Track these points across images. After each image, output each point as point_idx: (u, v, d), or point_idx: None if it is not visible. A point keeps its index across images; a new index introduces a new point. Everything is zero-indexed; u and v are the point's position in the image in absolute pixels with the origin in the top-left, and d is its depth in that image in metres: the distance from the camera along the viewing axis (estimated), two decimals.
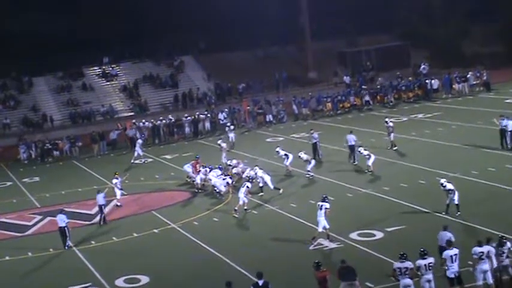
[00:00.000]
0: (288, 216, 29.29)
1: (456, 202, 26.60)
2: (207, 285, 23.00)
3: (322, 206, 25.53)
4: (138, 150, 43.71)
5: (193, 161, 36.29)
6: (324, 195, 26.34)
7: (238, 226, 29.16)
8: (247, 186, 30.80)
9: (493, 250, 19.55)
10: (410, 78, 57.88)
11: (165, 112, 57.03)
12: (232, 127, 46.27)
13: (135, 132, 49.32)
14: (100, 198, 31.17)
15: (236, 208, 30.16)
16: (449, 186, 26.80)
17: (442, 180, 27.09)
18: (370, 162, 34.36)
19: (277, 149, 37.09)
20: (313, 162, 35.51)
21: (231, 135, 44.92)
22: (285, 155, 36.16)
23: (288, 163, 36.03)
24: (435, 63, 63.15)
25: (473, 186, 30.13)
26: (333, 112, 53.35)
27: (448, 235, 21.31)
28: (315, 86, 61.84)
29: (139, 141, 45.13)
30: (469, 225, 25.50)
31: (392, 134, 38.86)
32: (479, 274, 19.36)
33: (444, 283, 19.81)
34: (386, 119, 39.89)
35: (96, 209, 33.62)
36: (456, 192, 26.63)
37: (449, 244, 19.90)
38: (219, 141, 40.55)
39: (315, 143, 38.63)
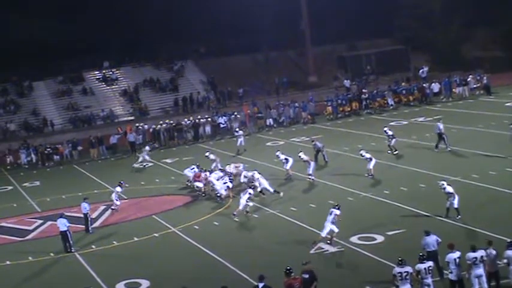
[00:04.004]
0: (289, 220, 29.29)
1: (456, 206, 26.59)
2: None
3: (332, 211, 25.61)
4: (144, 156, 43.62)
5: (197, 172, 35.31)
6: (337, 204, 26.42)
7: (239, 230, 29.15)
8: (250, 193, 30.70)
9: (485, 254, 19.55)
10: (404, 83, 57.66)
11: (166, 116, 57.07)
12: (241, 132, 46.12)
13: (136, 136, 49.42)
14: (84, 207, 30.71)
15: (235, 212, 30.17)
16: (449, 189, 26.79)
17: (443, 182, 27.11)
18: (371, 166, 34.36)
19: (277, 153, 37.06)
20: (312, 164, 35.49)
21: (240, 139, 44.87)
22: (285, 159, 36.12)
23: (288, 167, 36.01)
24: (435, 67, 63.20)
25: (473, 190, 30.12)
26: (333, 116, 53.38)
27: (434, 238, 21.30)
28: (315, 90, 61.89)
29: (147, 147, 45.05)
30: (469, 229, 25.49)
31: (393, 140, 38.76)
32: (474, 279, 19.37)
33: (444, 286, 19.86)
34: (385, 128, 39.57)
35: (98, 212, 33.75)
36: (456, 196, 26.62)
37: (452, 247, 19.87)
38: (206, 153, 39.01)
39: (318, 150, 38.54)
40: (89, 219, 31.04)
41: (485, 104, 51.44)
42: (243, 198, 30.24)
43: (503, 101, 51.17)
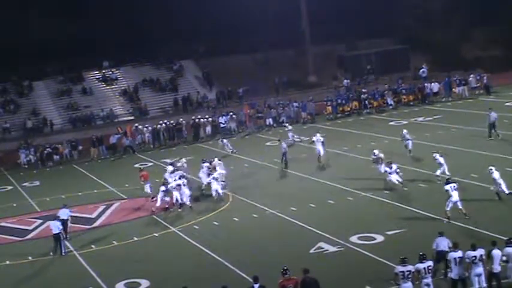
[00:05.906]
0: (289, 220, 29.29)
1: (507, 192, 27.82)
2: None
3: (454, 186, 26.49)
4: (227, 145, 44.07)
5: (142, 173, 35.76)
6: (448, 178, 27.57)
7: (239, 230, 29.14)
8: (397, 171, 31.68)
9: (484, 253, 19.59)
10: (403, 84, 57.66)
11: (165, 116, 57.04)
12: (290, 127, 46.78)
13: (132, 140, 49.44)
14: (63, 213, 30.12)
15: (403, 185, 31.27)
16: (496, 175, 27.96)
17: (491, 167, 28.23)
18: (440, 172, 31.99)
19: (318, 134, 38.58)
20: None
21: (290, 134, 45.33)
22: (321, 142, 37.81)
23: (321, 153, 37.50)
24: (435, 67, 63.21)
25: (473, 190, 30.10)
26: (332, 116, 53.37)
27: (446, 240, 21.28)
28: (315, 90, 61.89)
29: (224, 141, 45.15)
30: (469, 229, 25.49)
31: (410, 143, 37.64)
32: (474, 278, 19.39)
33: (444, 286, 19.85)
34: (404, 131, 38.20)
35: (97, 212, 33.73)
36: (503, 182, 27.91)
37: (455, 246, 19.87)
38: (166, 162, 38.67)
39: (284, 152, 38.38)
40: (68, 225, 30.34)
41: (485, 104, 51.33)
42: (393, 176, 31.33)
43: (503, 100, 51.19)
